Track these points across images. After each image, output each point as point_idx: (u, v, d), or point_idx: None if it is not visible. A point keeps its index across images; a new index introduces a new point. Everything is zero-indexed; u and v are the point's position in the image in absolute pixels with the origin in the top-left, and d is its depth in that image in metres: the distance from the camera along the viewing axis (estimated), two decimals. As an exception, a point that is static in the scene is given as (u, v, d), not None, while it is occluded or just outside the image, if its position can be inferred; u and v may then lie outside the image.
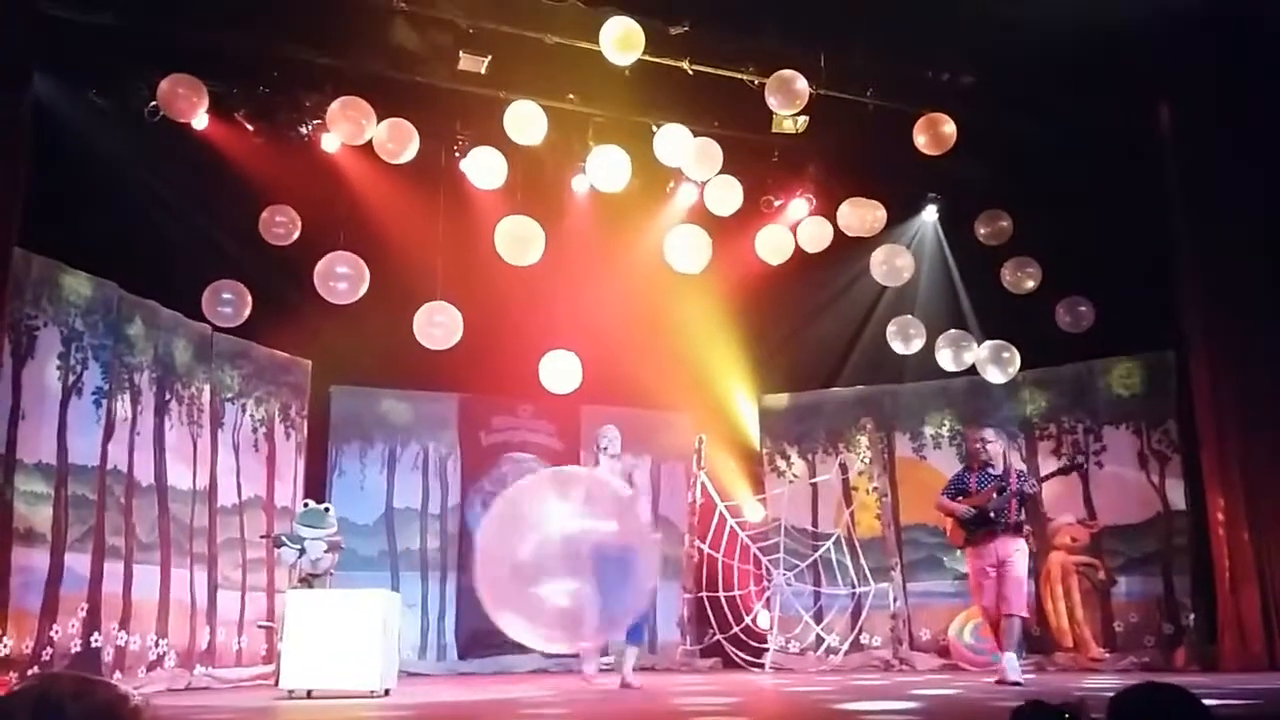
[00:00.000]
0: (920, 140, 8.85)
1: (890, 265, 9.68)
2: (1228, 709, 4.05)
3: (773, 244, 9.72)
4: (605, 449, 7.53)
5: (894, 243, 10.26)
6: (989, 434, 7.85)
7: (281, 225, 8.81)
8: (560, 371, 9.23)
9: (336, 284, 8.57)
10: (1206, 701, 2.31)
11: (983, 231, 10.01)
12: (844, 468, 11.03)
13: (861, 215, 9.55)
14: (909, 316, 9.99)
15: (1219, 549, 8.40)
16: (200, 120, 8.33)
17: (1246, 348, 8.44)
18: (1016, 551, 7.24)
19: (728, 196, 9.26)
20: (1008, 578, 7.17)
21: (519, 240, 8.75)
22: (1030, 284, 9.72)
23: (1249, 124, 8.37)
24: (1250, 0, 8.04)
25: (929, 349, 9.81)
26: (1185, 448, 9.32)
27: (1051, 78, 8.65)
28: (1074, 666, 9.18)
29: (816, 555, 10.45)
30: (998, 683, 6.95)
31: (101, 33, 7.79)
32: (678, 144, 8.79)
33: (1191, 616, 9.11)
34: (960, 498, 7.45)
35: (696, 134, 8.88)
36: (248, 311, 8.64)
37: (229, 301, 8.58)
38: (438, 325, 8.80)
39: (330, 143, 8.96)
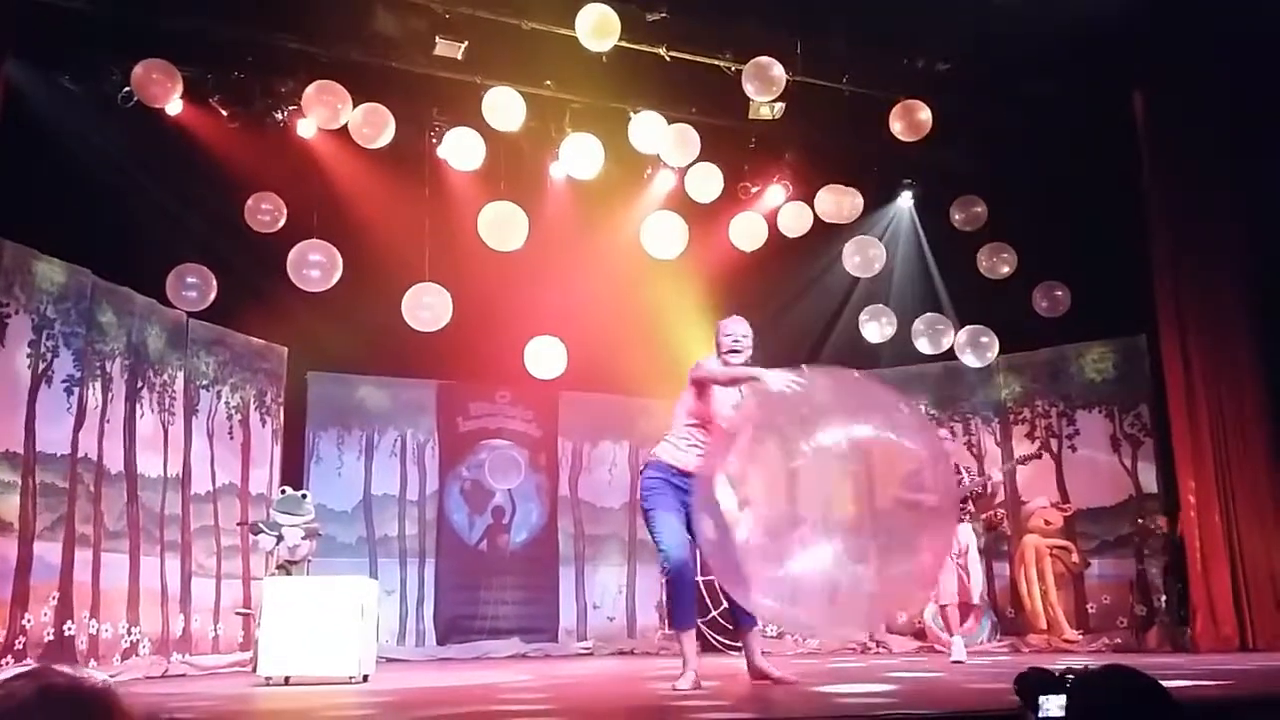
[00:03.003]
0: (896, 127, 8.88)
1: (862, 256, 9.73)
2: (1200, 690, 4.10)
3: (746, 231, 9.74)
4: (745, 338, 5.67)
5: (870, 228, 10.35)
6: (944, 433, 8.47)
7: (266, 213, 8.75)
8: (545, 357, 9.21)
9: (309, 272, 8.53)
10: (1178, 683, 2.34)
11: (958, 217, 10.06)
12: (821, 452, 11.05)
13: (839, 202, 9.59)
14: (881, 305, 10.06)
15: (1190, 531, 8.50)
16: (174, 106, 8.25)
17: (1218, 332, 8.53)
18: (971, 541, 7.72)
19: (709, 184, 9.27)
20: (973, 570, 7.61)
21: (503, 225, 8.72)
22: (1005, 269, 9.80)
23: (1221, 112, 8.46)
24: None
25: (905, 335, 9.88)
26: (1157, 431, 9.43)
27: (1026, 65, 8.71)
28: (1047, 648, 9.27)
29: (794, 540, 10.49)
30: (954, 663, 7.19)
31: (75, 17, 7.71)
32: (653, 132, 8.79)
33: (1163, 599, 9.22)
34: None
35: (673, 120, 8.88)
36: (213, 295, 8.55)
37: (194, 285, 8.51)
38: (426, 307, 8.76)
39: (306, 128, 8.91)
